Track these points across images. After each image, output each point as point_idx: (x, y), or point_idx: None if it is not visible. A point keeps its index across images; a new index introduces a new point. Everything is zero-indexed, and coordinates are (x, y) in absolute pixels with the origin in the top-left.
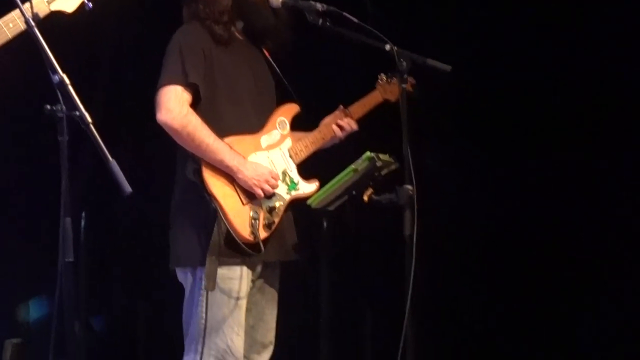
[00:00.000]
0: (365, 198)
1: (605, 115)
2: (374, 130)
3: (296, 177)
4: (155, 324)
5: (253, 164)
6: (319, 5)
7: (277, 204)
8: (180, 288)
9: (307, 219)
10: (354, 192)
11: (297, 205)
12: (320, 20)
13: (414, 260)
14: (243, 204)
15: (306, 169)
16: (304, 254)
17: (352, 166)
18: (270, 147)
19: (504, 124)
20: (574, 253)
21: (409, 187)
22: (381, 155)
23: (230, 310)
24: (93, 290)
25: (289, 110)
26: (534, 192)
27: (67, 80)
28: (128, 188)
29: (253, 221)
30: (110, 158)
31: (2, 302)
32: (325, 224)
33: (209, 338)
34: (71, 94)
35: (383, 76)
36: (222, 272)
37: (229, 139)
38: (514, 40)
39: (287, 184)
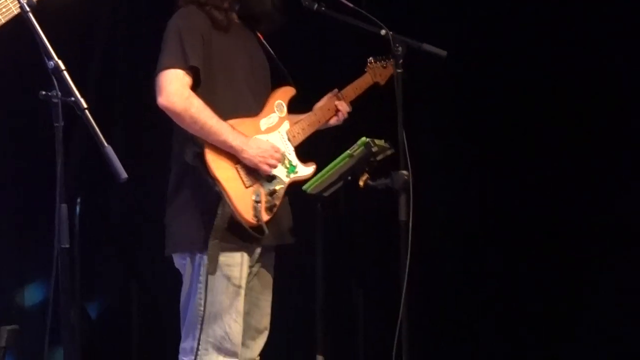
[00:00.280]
0: (361, 183)
1: (603, 111)
2: (370, 116)
3: (295, 160)
4: (151, 310)
5: (256, 141)
6: None
7: (277, 187)
8: (176, 274)
9: (301, 205)
10: (349, 178)
11: (291, 190)
12: (316, 5)
13: (409, 245)
14: (245, 187)
15: (302, 155)
16: (299, 238)
17: (348, 152)
18: (269, 130)
19: (502, 111)
20: (571, 242)
21: (405, 172)
22: (377, 141)
23: (229, 297)
24: (88, 277)
25: (286, 93)
26: (531, 180)
27: (62, 66)
28: (124, 174)
29: (255, 204)
30: (105, 144)
31: None
32: (320, 209)
33: (207, 324)
34: (66, 79)
35: (372, 59)
36: (222, 258)
37: (229, 122)
38: (513, 32)
39: (286, 167)
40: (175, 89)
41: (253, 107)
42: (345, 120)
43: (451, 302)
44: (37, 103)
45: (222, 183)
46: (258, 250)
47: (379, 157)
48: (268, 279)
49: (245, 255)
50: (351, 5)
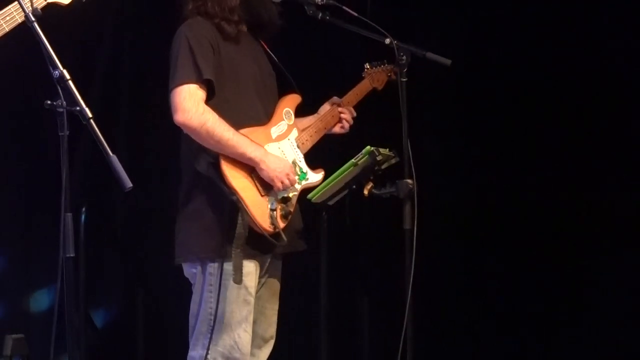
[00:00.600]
0: (366, 192)
1: (603, 113)
2: (374, 125)
3: (305, 167)
4: (156, 318)
5: (275, 157)
6: None
7: (290, 195)
8: (181, 282)
9: (306, 212)
10: (354, 187)
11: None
12: (320, 14)
13: (414, 253)
14: (261, 195)
15: (309, 161)
16: (311, 245)
17: (353, 160)
18: (279, 138)
19: (505, 118)
20: (574, 244)
21: (409, 181)
22: (381, 150)
23: (240, 307)
24: (93, 285)
25: (293, 100)
26: (533, 183)
27: (67, 76)
28: (128, 183)
29: (271, 212)
30: (110, 153)
31: (3, 297)
32: (325, 217)
33: (217, 334)
34: (71, 89)
35: (368, 65)
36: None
37: (242, 132)
38: (514, 35)
39: (297, 174)
40: (190, 105)
41: (263, 116)
42: (351, 127)
43: (454, 305)
44: (43, 111)
45: (239, 192)
46: (268, 259)
47: (384, 166)
48: (275, 287)
49: (258, 265)
50: (355, 14)
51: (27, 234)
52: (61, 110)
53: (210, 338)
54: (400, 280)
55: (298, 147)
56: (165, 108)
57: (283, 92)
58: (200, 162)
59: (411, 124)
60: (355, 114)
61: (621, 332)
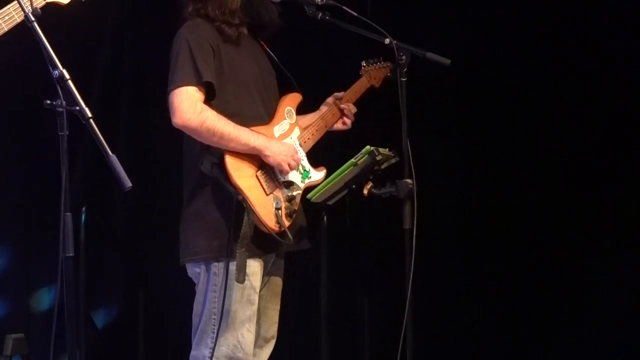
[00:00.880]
0: (365, 192)
1: (603, 113)
2: (374, 124)
3: (307, 165)
4: (157, 317)
5: (278, 142)
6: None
7: (295, 193)
8: (183, 282)
9: (307, 212)
10: (353, 186)
11: None
12: (320, 14)
13: (413, 253)
14: (266, 194)
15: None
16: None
17: (352, 160)
18: (282, 137)
19: (504, 118)
20: (574, 244)
21: (409, 180)
22: (381, 149)
23: (244, 306)
24: (93, 285)
25: (294, 99)
26: (534, 184)
27: (67, 75)
28: (128, 182)
29: (276, 211)
30: (110, 152)
31: (4, 296)
32: (325, 217)
33: (221, 333)
34: (71, 88)
35: (365, 63)
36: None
37: None
38: (514, 34)
39: (300, 172)
40: (187, 106)
41: (264, 116)
42: (352, 123)
43: (454, 305)
44: (43, 111)
45: (245, 191)
46: (272, 258)
47: (384, 166)
48: (277, 287)
49: (262, 264)
50: (355, 14)
51: (27, 233)
52: (61, 110)
53: (214, 338)
54: (400, 280)
55: (300, 145)
56: (165, 108)
57: (284, 91)
58: (204, 163)
59: (411, 123)
60: (355, 110)
61: (621, 332)
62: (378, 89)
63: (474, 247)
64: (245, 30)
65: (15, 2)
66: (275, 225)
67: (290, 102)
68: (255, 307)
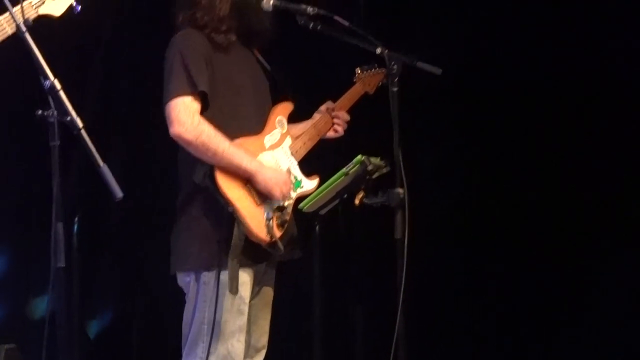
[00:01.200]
0: (357, 201)
1: (600, 116)
2: (366, 134)
3: (299, 175)
4: (151, 326)
5: (271, 168)
6: (309, 9)
7: (286, 203)
8: (176, 291)
9: (299, 222)
10: (345, 196)
11: None
12: (312, 24)
13: (405, 263)
14: (257, 205)
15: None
16: (303, 254)
17: (344, 170)
18: (273, 146)
19: (498, 126)
20: (568, 255)
21: (400, 190)
22: (372, 159)
23: (233, 316)
24: (88, 294)
25: (285, 108)
26: (527, 195)
27: (58, 86)
28: (119, 192)
29: (267, 222)
30: (101, 163)
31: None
32: (317, 226)
33: (210, 343)
34: (62, 99)
35: (359, 70)
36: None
37: (235, 142)
38: (508, 41)
39: (292, 182)
40: (184, 118)
41: (256, 124)
42: (345, 131)
43: (447, 314)
44: (36, 121)
45: (235, 202)
46: (263, 268)
47: (375, 175)
48: (269, 297)
49: (252, 274)
50: (347, 23)
51: (25, 239)
52: (52, 120)
53: (209, 348)
54: (392, 290)
55: (292, 155)
56: (160, 117)
57: (276, 99)
58: (197, 173)
59: (403, 132)
60: (348, 118)
61: (621, 332)
62: (372, 96)
63: (467, 257)
64: (234, 37)
65: (7, 13)
66: (266, 236)
67: (281, 111)
68: (245, 317)
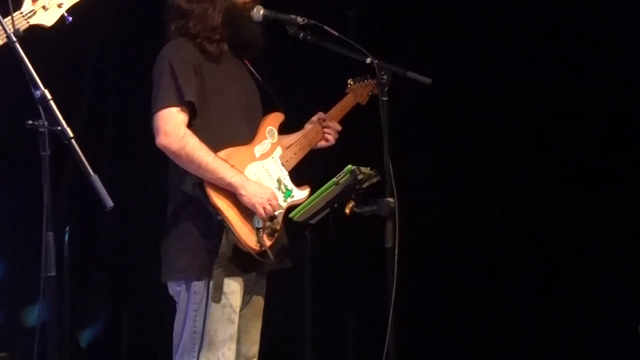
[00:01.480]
0: (347, 211)
1: (596, 120)
2: (356, 143)
3: (290, 184)
4: (141, 336)
5: (255, 183)
6: (299, 19)
7: (276, 212)
8: (166, 301)
9: (289, 231)
10: (335, 205)
11: None
12: (302, 34)
13: (396, 272)
14: (246, 214)
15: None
16: (294, 263)
17: (334, 179)
18: (263, 156)
19: (488, 134)
20: (558, 263)
21: (391, 199)
22: (362, 168)
23: (224, 325)
24: (78, 304)
25: (276, 118)
26: (517, 203)
27: (48, 96)
28: (110, 202)
29: (257, 231)
30: (91, 172)
31: None
32: (308, 236)
33: (201, 352)
34: (53, 109)
35: (352, 81)
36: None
37: (225, 152)
38: (498, 51)
39: (282, 192)
40: (170, 128)
41: (247, 135)
42: (336, 140)
43: (438, 323)
44: (27, 131)
45: (224, 211)
46: (254, 277)
47: (365, 185)
48: (259, 306)
49: (243, 283)
50: (337, 33)
51: (16, 250)
52: (43, 130)
53: (197, 357)
54: (384, 298)
55: (282, 164)
56: (151, 127)
57: (268, 110)
58: (187, 183)
59: (394, 142)
60: (340, 128)
61: (621, 332)
62: (364, 107)
63: (457, 265)
64: (225, 47)
65: None
66: (255, 245)
67: (272, 122)
68: (235, 326)
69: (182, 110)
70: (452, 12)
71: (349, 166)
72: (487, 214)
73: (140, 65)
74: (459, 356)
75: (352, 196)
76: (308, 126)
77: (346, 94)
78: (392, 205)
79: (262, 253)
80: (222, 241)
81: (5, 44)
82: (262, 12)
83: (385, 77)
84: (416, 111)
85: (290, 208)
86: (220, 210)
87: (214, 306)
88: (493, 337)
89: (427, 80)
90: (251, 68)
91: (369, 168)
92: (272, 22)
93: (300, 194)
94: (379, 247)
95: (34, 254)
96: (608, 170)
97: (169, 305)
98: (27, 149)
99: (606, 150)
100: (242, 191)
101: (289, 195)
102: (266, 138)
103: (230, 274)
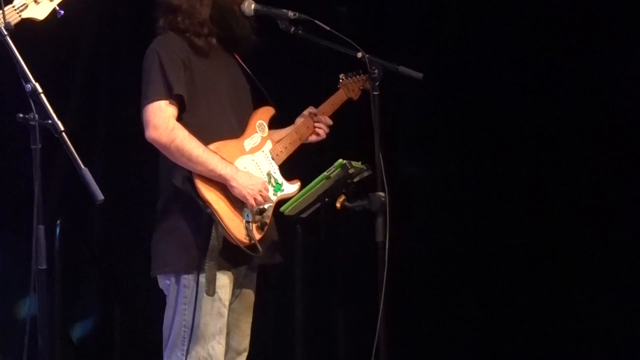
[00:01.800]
0: (338, 205)
1: (592, 124)
2: (347, 138)
3: (280, 178)
4: (133, 330)
5: (246, 174)
6: (290, 13)
7: (266, 206)
8: (158, 295)
9: (280, 225)
10: (326, 199)
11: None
12: (293, 28)
13: (386, 266)
14: (236, 207)
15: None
16: (285, 257)
17: (325, 173)
18: (253, 150)
19: (480, 129)
20: (549, 256)
21: (381, 194)
22: (353, 163)
23: (214, 319)
24: (70, 298)
25: (266, 113)
26: (510, 197)
27: (39, 89)
28: (100, 196)
29: (247, 224)
30: (82, 166)
31: None
32: (299, 230)
33: (191, 346)
34: (44, 102)
35: (343, 76)
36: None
37: (214, 145)
38: (493, 49)
39: (272, 185)
40: (159, 122)
41: (236, 129)
42: (327, 135)
43: (428, 318)
44: (18, 124)
45: (213, 205)
46: (243, 271)
47: (356, 179)
48: (250, 300)
49: (232, 277)
50: (328, 28)
51: (6, 244)
52: (33, 123)
53: (185, 350)
54: (374, 292)
55: (273, 158)
56: (142, 122)
57: (258, 105)
58: (176, 176)
59: (385, 136)
60: (331, 123)
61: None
62: (356, 102)
63: (449, 260)
64: (214, 41)
65: None
66: (245, 238)
67: (262, 116)
68: (225, 320)
69: (171, 103)
70: (444, 6)
71: (340, 160)
72: (479, 209)
73: (132, 59)
74: (450, 350)
75: (343, 190)
76: (299, 120)
77: (337, 88)
78: (383, 199)
79: (252, 246)
80: (212, 234)
81: None
82: (253, 6)
83: (376, 71)
84: (407, 105)
85: (280, 202)
86: (210, 204)
87: (203, 300)
88: (485, 331)
89: (419, 75)
90: (241, 62)
91: (360, 162)
92: (263, 17)
93: (290, 187)
94: (369, 241)
95: (24, 248)
96: (608, 171)
97: (160, 300)
98: (18, 142)
99: (602, 147)
100: (233, 182)
101: (279, 189)
102: (256, 132)
103: (219, 268)
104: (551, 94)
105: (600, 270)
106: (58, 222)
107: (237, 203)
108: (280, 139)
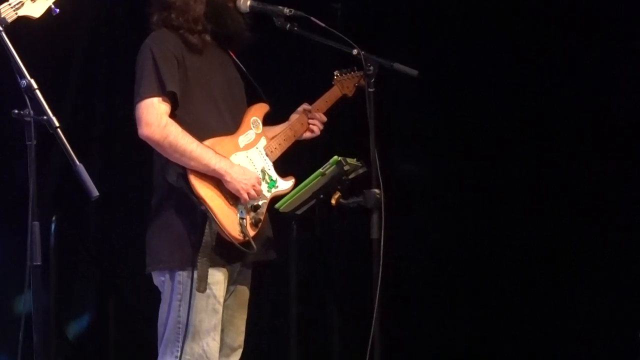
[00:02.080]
0: (333, 202)
1: (590, 123)
2: (343, 134)
3: (274, 175)
4: (128, 327)
5: (240, 168)
6: (286, 10)
7: (260, 203)
8: (153, 291)
9: (275, 222)
10: (322, 196)
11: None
12: (288, 25)
13: (381, 263)
14: (230, 204)
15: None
16: (280, 254)
17: (320, 170)
18: (247, 146)
19: (474, 126)
20: (543, 256)
21: (377, 190)
22: (349, 159)
23: (209, 315)
24: (64, 295)
25: (260, 109)
26: (505, 193)
27: (34, 85)
28: (95, 191)
29: (241, 220)
30: (77, 162)
31: None
32: (294, 227)
33: (186, 342)
34: (39, 98)
35: (338, 73)
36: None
37: (208, 142)
38: (490, 47)
39: (267, 182)
40: (152, 119)
41: (230, 125)
42: (321, 132)
43: (423, 315)
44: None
45: (207, 201)
46: (238, 268)
47: (351, 176)
48: (244, 297)
49: (227, 274)
50: (323, 25)
51: (1, 240)
52: (28, 119)
53: (180, 347)
54: (369, 289)
55: (267, 155)
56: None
57: (253, 101)
58: (170, 173)
59: (380, 133)
60: (325, 119)
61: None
62: (351, 98)
63: (444, 257)
64: (208, 38)
65: None
66: (239, 235)
67: (256, 112)
68: (219, 316)
69: (163, 100)
70: (439, 3)
71: (335, 157)
72: (475, 206)
73: (128, 57)
74: (445, 347)
75: (338, 187)
76: (293, 117)
77: (332, 85)
78: (378, 196)
79: (246, 243)
80: (206, 231)
81: None
82: (249, 3)
83: (371, 68)
84: (402, 102)
85: (275, 199)
86: (204, 200)
87: (198, 296)
88: (479, 328)
89: (414, 72)
90: (236, 59)
91: (355, 159)
92: (259, 13)
93: (284, 184)
94: (364, 238)
95: (19, 244)
96: (608, 171)
97: (157, 297)
98: (13, 138)
99: (602, 147)
100: (228, 177)
101: (273, 186)
102: (250, 128)
103: (214, 264)
104: (547, 92)
105: (600, 270)
106: (53, 218)
107: (232, 199)
108: (275, 136)
